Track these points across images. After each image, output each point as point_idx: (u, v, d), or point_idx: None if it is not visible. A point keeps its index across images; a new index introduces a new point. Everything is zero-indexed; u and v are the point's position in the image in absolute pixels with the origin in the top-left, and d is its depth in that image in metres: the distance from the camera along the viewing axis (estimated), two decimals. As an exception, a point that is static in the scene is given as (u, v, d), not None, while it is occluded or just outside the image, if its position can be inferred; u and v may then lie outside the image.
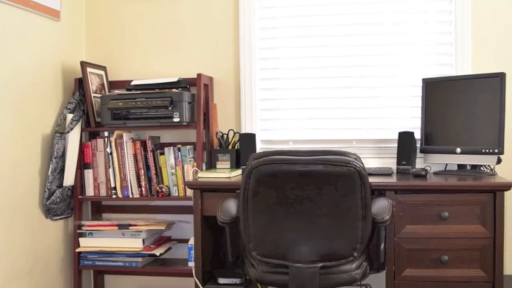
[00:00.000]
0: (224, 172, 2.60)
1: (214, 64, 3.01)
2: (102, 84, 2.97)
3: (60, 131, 2.75)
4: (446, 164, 2.74)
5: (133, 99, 2.70)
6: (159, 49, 3.06)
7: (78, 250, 2.82)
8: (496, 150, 2.44)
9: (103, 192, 2.86)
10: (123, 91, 2.97)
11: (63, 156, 2.76)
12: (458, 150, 2.56)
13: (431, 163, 2.75)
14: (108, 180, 2.82)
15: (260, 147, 2.98)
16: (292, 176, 1.95)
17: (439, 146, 2.63)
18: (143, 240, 2.75)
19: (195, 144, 2.86)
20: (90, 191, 2.87)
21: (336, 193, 1.96)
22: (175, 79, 2.81)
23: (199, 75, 2.78)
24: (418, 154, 2.74)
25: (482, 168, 2.60)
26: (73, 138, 2.78)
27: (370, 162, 2.85)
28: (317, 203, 1.98)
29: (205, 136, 2.88)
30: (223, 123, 3.00)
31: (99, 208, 3.09)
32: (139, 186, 2.80)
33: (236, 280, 2.51)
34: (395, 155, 2.77)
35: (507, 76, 2.72)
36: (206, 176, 2.61)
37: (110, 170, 2.79)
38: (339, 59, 2.90)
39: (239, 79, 2.98)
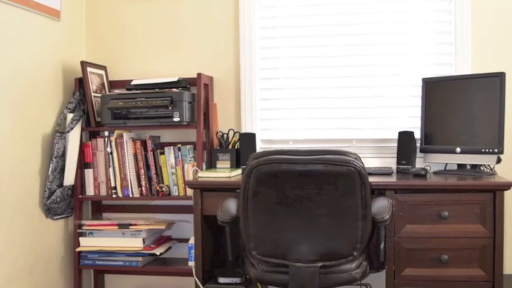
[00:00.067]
0: (224, 172, 2.61)
1: (214, 63, 3.01)
2: (102, 84, 2.98)
3: (60, 131, 2.75)
4: (446, 164, 2.74)
5: (133, 99, 2.70)
6: (159, 49, 3.07)
7: (78, 249, 2.83)
8: (496, 150, 2.45)
9: (103, 191, 2.86)
10: (123, 91, 2.97)
11: (63, 156, 2.76)
12: (458, 149, 2.56)
13: (431, 163, 2.75)
14: (108, 179, 2.82)
15: (260, 147, 2.98)
16: (292, 175, 1.95)
17: (439, 145, 2.64)
18: (143, 240, 2.75)
19: (195, 143, 2.87)
20: (90, 190, 2.88)
21: (336, 192, 1.97)
22: (175, 79, 2.81)
23: (199, 74, 2.78)
24: (418, 154, 2.75)
25: (482, 168, 2.60)
26: (73, 138, 2.79)
27: (370, 162, 2.85)
28: (317, 203, 1.98)
29: (205, 135, 2.88)
30: (223, 123, 3.01)
31: (99, 208, 3.09)
32: (139, 185, 2.80)
33: (236, 280, 2.51)
34: (395, 155, 2.77)
35: (507, 75, 2.72)
36: (206, 175, 2.61)
37: (110, 170, 2.79)
38: (339, 58, 2.91)
39: (239, 79, 2.98)
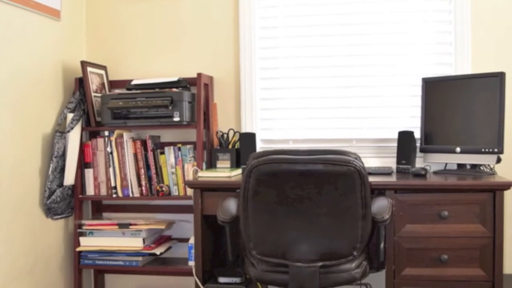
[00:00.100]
0: (224, 172, 2.61)
1: (214, 63, 3.01)
2: (103, 84, 2.98)
3: (60, 131, 2.75)
4: (446, 164, 2.74)
5: (134, 99, 2.70)
6: (159, 49, 3.07)
7: (78, 249, 2.83)
8: (496, 150, 2.45)
9: (103, 191, 2.86)
10: (124, 91, 2.97)
11: (63, 156, 2.76)
12: (458, 149, 2.56)
13: (430, 163, 2.75)
14: (108, 179, 2.83)
15: (260, 147, 2.98)
16: (292, 175, 1.95)
17: (439, 145, 2.64)
18: (144, 239, 2.75)
19: (195, 143, 2.87)
20: (90, 190, 2.88)
21: (336, 192, 1.97)
22: (175, 79, 2.82)
23: (199, 74, 2.78)
24: (418, 154, 2.75)
25: (481, 168, 2.60)
26: (74, 138, 2.79)
27: (370, 162, 2.85)
28: (317, 203, 1.99)
29: (205, 135, 2.88)
30: (223, 123, 3.01)
31: (99, 207, 3.09)
32: (140, 185, 2.80)
33: (236, 279, 2.51)
34: (395, 155, 2.77)
35: (507, 75, 2.72)
36: (206, 175, 2.61)
37: (111, 170, 2.79)
38: (339, 58, 2.91)
39: (239, 79, 2.98)
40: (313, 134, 2.94)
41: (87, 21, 3.13)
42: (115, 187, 2.80)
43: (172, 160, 2.77)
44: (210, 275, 2.59)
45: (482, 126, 2.50)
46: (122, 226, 2.77)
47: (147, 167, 2.80)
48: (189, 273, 2.81)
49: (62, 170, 2.76)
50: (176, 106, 2.67)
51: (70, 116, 2.77)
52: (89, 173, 2.87)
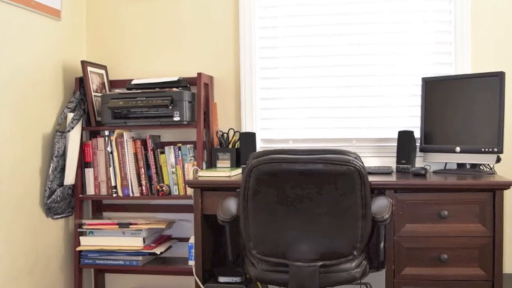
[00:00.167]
0: (224, 171, 2.61)
1: (214, 63, 3.01)
2: (103, 83, 2.98)
3: (60, 130, 2.75)
4: (446, 163, 2.75)
5: (134, 98, 2.71)
6: (159, 49, 3.07)
7: (78, 248, 2.83)
8: (496, 149, 2.45)
9: (103, 191, 2.87)
10: (124, 90, 2.97)
11: (63, 155, 2.76)
12: (458, 149, 2.56)
13: (430, 162, 2.75)
14: (108, 179, 2.83)
15: (260, 146, 2.98)
16: (292, 175, 1.95)
17: (439, 145, 2.64)
18: (144, 239, 2.75)
19: (196, 143, 2.87)
20: (90, 190, 2.88)
21: (336, 192, 1.97)
22: (175, 78, 2.82)
23: (199, 74, 2.78)
24: (418, 153, 2.75)
25: (481, 167, 2.60)
26: (74, 137, 2.79)
27: (370, 161, 2.85)
28: (317, 202, 1.99)
29: (205, 135, 2.89)
30: (223, 122, 3.01)
31: (99, 207, 3.09)
32: (140, 185, 2.80)
33: (236, 279, 2.51)
34: (395, 154, 2.78)
35: (507, 75, 2.73)
36: (206, 175, 2.62)
37: (111, 169, 2.80)
38: (339, 58, 2.91)
39: (239, 78, 2.98)
40: (313, 133, 2.95)
41: (88, 21, 3.13)
42: (115, 187, 2.80)
43: (172, 159, 2.78)
44: (210, 274, 2.59)
45: (482, 126, 2.50)
46: (122, 225, 2.77)
47: (147, 166, 2.80)
48: (189, 273, 2.81)
49: (62, 170, 2.77)
50: (176, 105, 2.67)
51: (70, 115, 2.77)
52: (89, 172, 2.88)
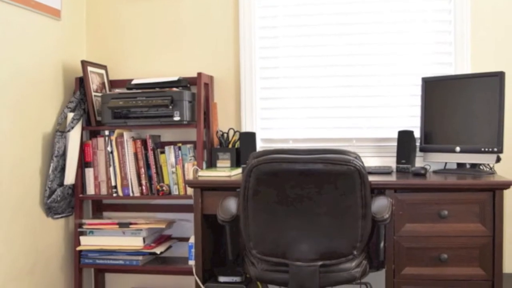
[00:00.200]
0: (224, 171, 2.61)
1: (214, 63, 3.02)
2: (103, 83, 2.98)
3: (61, 130, 2.75)
4: (446, 163, 2.75)
5: (134, 98, 2.71)
6: (159, 48, 3.07)
7: (78, 248, 2.83)
8: (495, 149, 2.45)
9: (103, 190, 2.87)
10: (124, 90, 2.97)
11: (64, 155, 2.77)
12: (458, 149, 2.56)
13: (430, 162, 2.75)
14: (108, 178, 2.83)
15: (260, 146, 2.99)
16: (292, 174, 1.95)
17: (439, 144, 2.64)
18: (144, 239, 2.76)
19: (196, 143, 2.87)
20: (90, 189, 2.88)
21: (336, 191, 1.97)
22: (175, 78, 2.82)
23: (199, 74, 2.78)
24: (418, 153, 2.75)
25: (481, 167, 2.61)
26: (74, 137, 2.79)
27: (370, 161, 2.86)
28: (317, 202, 1.99)
29: (205, 135, 2.89)
30: (223, 122, 3.01)
31: (99, 207, 3.09)
32: (140, 184, 2.80)
33: (236, 279, 2.51)
34: (395, 154, 2.78)
35: (506, 75, 2.73)
36: (207, 174, 2.62)
37: (111, 169, 2.80)
38: (339, 58, 2.91)
39: (239, 78, 2.99)
40: (313, 133, 2.95)
41: (88, 21, 3.13)
42: (115, 187, 2.80)
43: (172, 159, 2.78)
44: (210, 274, 2.59)
45: (481, 126, 2.50)
46: (122, 225, 2.77)
47: (148, 166, 2.80)
48: (189, 272, 2.81)
49: (62, 170, 2.77)
50: (176, 105, 2.67)
51: (70, 115, 2.78)
52: (89, 172, 2.88)
